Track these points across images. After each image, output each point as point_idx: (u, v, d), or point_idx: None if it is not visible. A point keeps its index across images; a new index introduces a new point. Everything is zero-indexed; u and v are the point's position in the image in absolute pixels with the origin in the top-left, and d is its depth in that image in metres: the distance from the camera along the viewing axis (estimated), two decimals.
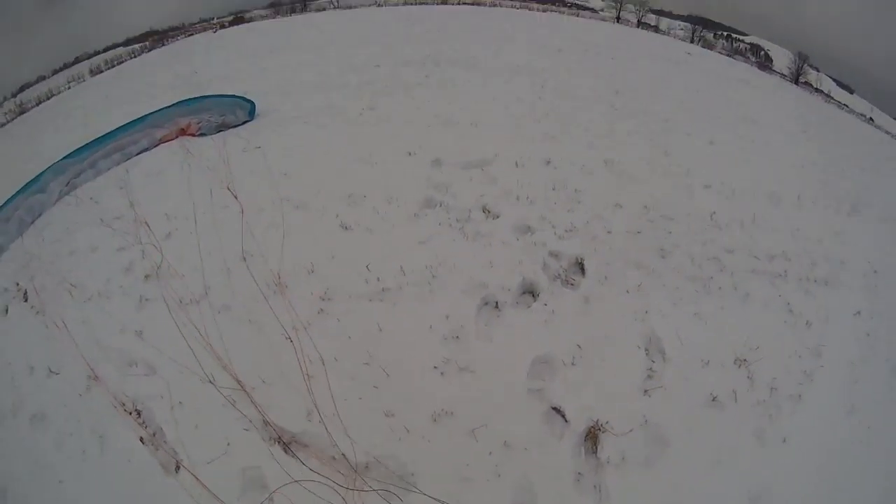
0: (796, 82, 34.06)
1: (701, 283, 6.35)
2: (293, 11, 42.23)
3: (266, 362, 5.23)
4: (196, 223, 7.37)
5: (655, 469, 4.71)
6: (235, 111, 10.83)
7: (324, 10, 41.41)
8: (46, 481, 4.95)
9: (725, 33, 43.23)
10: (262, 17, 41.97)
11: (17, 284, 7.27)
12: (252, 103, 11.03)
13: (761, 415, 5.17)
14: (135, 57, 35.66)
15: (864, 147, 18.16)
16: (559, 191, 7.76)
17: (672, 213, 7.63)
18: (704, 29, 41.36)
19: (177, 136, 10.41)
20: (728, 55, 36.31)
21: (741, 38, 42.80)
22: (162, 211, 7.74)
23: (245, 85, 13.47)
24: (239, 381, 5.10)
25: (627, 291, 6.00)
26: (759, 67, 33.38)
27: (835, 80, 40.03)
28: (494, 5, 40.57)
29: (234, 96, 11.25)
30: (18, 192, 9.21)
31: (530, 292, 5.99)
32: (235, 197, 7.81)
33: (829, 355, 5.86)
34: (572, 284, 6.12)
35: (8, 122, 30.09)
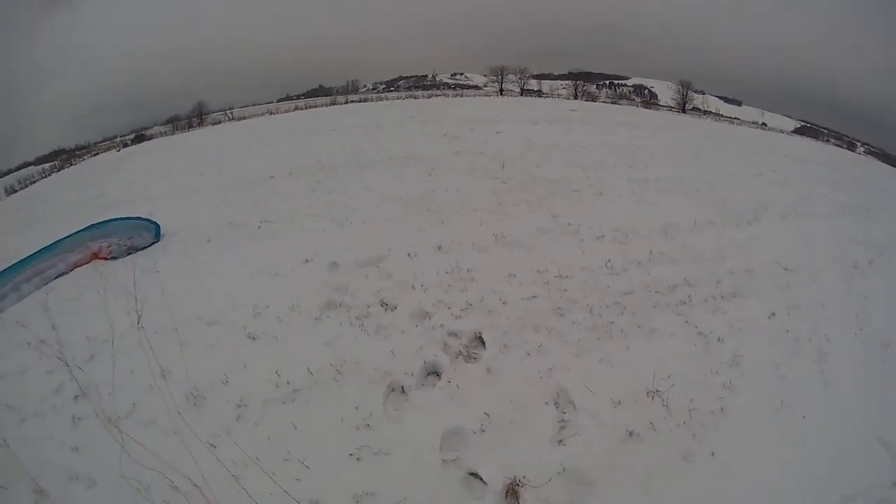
0: (683, 110, 35.45)
1: (603, 330, 6.55)
2: (190, 126, 42.29)
3: (194, 468, 5.25)
4: (113, 345, 7.43)
5: None
6: (142, 233, 10.98)
7: (219, 122, 41.53)
8: None
9: (608, 82, 44.65)
10: (162, 134, 41.99)
11: None
12: (157, 225, 11.21)
13: (684, 436, 5.32)
14: (46, 177, 35.36)
15: (759, 155, 19.14)
16: (452, 273, 8.06)
17: (566, 271, 7.92)
18: (586, 82, 42.52)
19: (90, 260, 10.57)
20: (613, 102, 37.57)
21: (624, 82, 44.37)
22: (83, 334, 7.81)
23: (150, 205, 13.75)
24: (173, 486, 5.13)
25: (528, 354, 6.19)
26: (643, 107, 34.62)
27: (722, 97, 42.00)
28: (381, 99, 41.41)
29: (139, 218, 11.38)
30: None
31: (434, 373, 6.16)
32: (138, 319, 7.96)
33: (748, 363, 6.09)
34: (474, 358, 6.28)
35: None
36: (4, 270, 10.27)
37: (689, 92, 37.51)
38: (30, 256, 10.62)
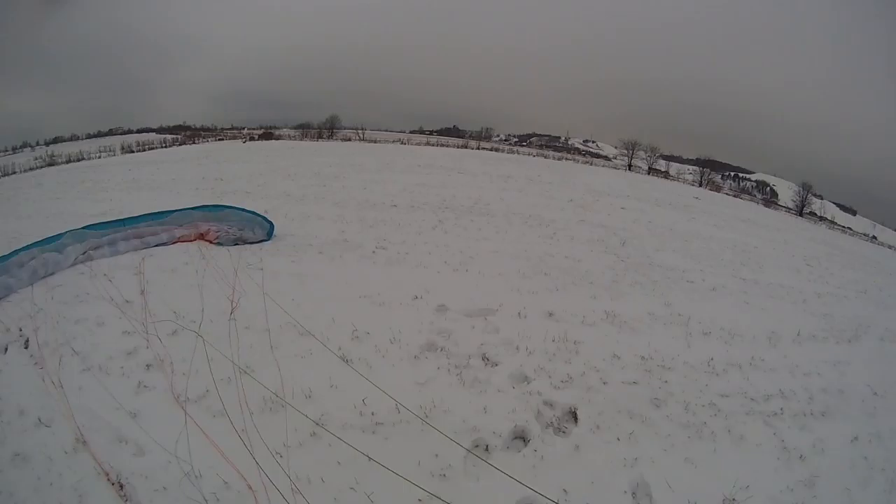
0: (801, 213, 34.66)
1: (694, 429, 6.33)
2: (320, 137, 43.46)
3: (255, 473, 5.20)
4: (200, 328, 7.61)
5: None
6: (254, 228, 11.24)
7: (349, 139, 42.62)
8: None
9: (732, 173, 44.38)
10: (291, 137, 43.27)
11: (20, 330, 7.55)
12: (272, 224, 11.48)
13: None
14: (166, 147, 37.03)
15: (867, 269, 18.95)
16: (559, 342, 7.90)
17: (669, 363, 7.74)
18: (712, 171, 42.34)
19: (195, 239, 10.88)
20: (735, 195, 37.19)
21: (748, 176, 43.96)
22: (171, 308, 8.07)
23: (266, 203, 14.29)
24: (225, 482, 5.09)
25: (618, 439, 5.98)
26: (764, 204, 34.11)
27: (838, 204, 41.15)
28: (513, 152, 41.99)
29: (255, 213, 11.64)
30: (36, 244, 9.48)
31: (521, 438, 5.96)
32: (232, 311, 8.14)
33: (822, 485, 5.82)
34: (564, 432, 6.08)
35: (37, 167, 31.18)
36: (104, 223, 10.75)
37: (809, 195, 36.91)
38: (134, 218, 11.08)
